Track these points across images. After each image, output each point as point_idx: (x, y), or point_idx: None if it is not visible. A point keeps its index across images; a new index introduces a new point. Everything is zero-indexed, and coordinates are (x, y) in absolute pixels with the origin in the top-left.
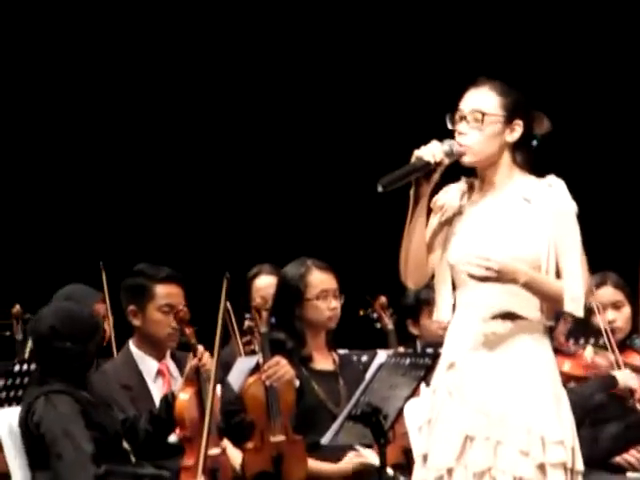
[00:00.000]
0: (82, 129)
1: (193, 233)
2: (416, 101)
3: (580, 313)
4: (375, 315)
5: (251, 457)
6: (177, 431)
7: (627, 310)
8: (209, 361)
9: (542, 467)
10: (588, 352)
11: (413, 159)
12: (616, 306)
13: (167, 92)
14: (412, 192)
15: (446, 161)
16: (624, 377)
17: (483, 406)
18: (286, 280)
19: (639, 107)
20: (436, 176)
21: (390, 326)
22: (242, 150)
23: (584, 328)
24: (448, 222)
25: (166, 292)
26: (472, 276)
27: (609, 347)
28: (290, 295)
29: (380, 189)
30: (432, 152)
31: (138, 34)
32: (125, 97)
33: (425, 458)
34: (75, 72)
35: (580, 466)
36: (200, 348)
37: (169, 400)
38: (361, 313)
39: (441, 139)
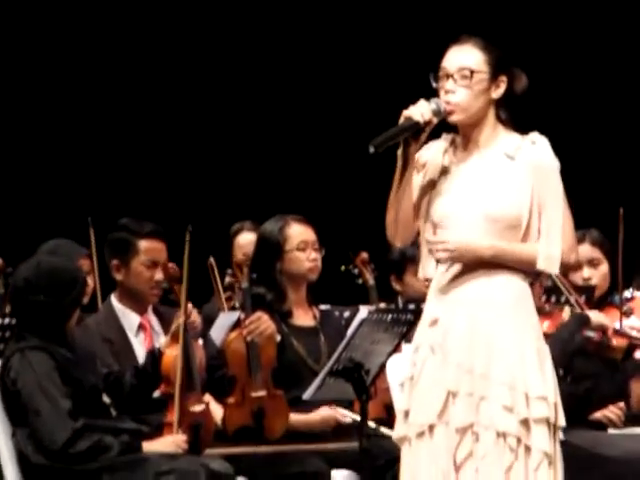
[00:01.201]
0: (70, 87)
1: (180, 192)
2: (396, 59)
3: (555, 270)
4: (356, 271)
5: (232, 412)
6: (161, 386)
7: (604, 268)
8: (197, 318)
9: (526, 422)
10: (567, 313)
11: (402, 119)
12: (592, 263)
13: (149, 55)
14: (400, 152)
15: (435, 120)
16: (596, 315)
17: (466, 362)
18: (265, 235)
19: (617, 63)
20: (424, 136)
21: (371, 282)
22: (226, 110)
23: (566, 285)
24: (431, 180)
25: (150, 247)
26: (438, 260)
27: (576, 304)
28: (270, 249)
29: (372, 150)
30: (421, 111)
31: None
32: (110, 59)
33: (407, 414)
34: (63, 38)
35: (562, 422)
36: (189, 305)
37: (155, 355)
38: (342, 269)
39: (419, 98)
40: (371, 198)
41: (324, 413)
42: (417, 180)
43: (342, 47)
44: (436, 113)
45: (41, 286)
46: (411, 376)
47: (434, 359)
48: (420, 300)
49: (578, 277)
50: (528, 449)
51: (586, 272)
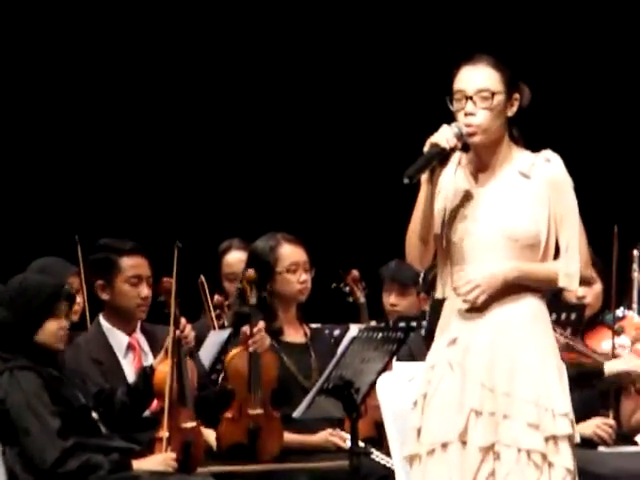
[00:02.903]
0: (58, 106)
1: (168, 210)
2: (392, 80)
3: (575, 287)
4: (347, 289)
5: (228, 427)
6: (153, 403)
7: (598, 287)
8: (191, 333)
9: (551, 439)
10: None
11: (428, 146)
12: (587, 282)
13: (137, 71)
14: (426, 178)
15: (459, 145)
16: (610, 365)
17: (488, 381)
18: (256, 254)
19: (611, 81)
20: (449, 161)
21: (362, 300)
22: (216, 128)
23: (557, 303)
24: (446, 200)
25: (133, 264)
26: (473, 302)
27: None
28: (260, 269)
29: (406, 181)
30: (446, 137)
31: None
32: (98, 76)
33: (419, 432)
34: (57, 49)
35: (578, 439)
36: (182, 320)
37: (147, 372)
38: (333, 287)
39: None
40: (362, 216)
41: (325, 436)
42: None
43: (339, 68)
44: (459, 137)
45: (5, 301)
46: (424, 394)
47: (452, 376)
48: (411, 318)
49: (572, 295)
50: (551, 465)
51: (580, 291)
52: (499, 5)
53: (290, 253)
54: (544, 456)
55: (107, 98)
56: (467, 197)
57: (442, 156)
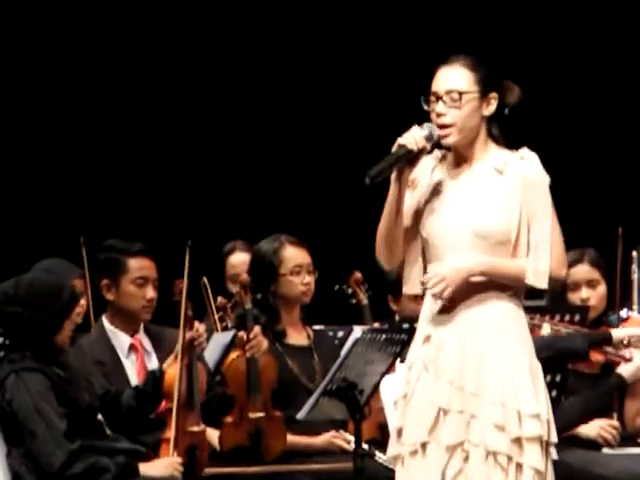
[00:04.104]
0: (62, 106)
1: (172, 211)
2: (390, 82)
3: (543, 285)
4: (350, 291)
5: (229, 432)
6: (162, 404)
7: (602, 288)
8: (204, 334)
9: (518, 441)
10: (545, 329)
11: (396, 148)
12: (591, 284)
13: (142, 70)
14: (394, 178)
15: (428, 146)
16: (617, 332)
17: (457, 380)
18: (260, 256)
19: (615, 80)
20: (419, 161)
21: (365, 301)
22: (220, 130)
23: (560, 304)
24: (421, 197)
25: (139, 265)
26: (439, 296)
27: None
28: (264, 271)
29: (367, 181)
30: (414, 139)
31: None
32: (103, 76)
33: (400, 433)
34: (61, 51)
35: (554, 438)
36: (196, 323)
37: (156, 376)
38: (336, 288)
39: (412, 122)
40: (365, 218)
41: (328, 438)
42: (407, 198)
43: (338, 71)
44: (429, 138)
45: (19, 299)
46: (404, 394)
47: (427, 377)
48: (415, 320)
49: (576, 297)
50: (519, 467)
51: (584, 293)
52: (486, 6)
53: (294, 255)
54: (510, 458)
55: (114, 99)
56: (440, 193)
57: (409, 157)
